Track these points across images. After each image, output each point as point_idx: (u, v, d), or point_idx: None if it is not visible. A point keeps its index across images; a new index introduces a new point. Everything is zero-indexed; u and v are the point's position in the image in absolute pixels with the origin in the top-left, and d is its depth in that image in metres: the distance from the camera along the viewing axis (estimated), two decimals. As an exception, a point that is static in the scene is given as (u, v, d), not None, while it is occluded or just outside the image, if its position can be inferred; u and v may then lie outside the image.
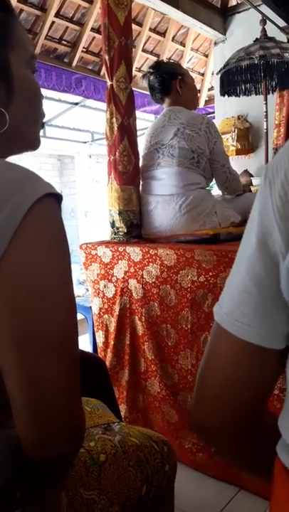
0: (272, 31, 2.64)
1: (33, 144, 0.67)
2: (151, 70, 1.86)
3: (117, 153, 1.73)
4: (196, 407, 0.49)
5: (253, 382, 0.45)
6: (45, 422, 0.48)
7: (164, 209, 1.68)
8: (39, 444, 0.49)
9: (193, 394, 0.49)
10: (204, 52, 4.98)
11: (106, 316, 1.76)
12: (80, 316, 2.83)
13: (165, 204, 1.68)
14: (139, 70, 4.49)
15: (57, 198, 0.52)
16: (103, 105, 1.79)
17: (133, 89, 1.77)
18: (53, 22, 3.65)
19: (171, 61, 4.17)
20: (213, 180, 1.83)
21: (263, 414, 0.48)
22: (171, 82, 1.81)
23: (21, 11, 3.45)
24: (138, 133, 1.83)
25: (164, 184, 1.70)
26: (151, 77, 1.84)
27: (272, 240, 0.41)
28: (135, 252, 1.62)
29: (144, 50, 4.47)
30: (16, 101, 0.60)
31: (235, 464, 0.56)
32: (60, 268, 0.51)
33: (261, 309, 0.43)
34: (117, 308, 1.70)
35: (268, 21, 2.61)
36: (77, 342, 0.53)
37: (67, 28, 3.82)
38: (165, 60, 4.38)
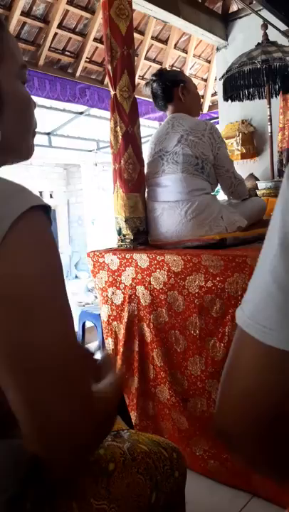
0: (273, 35, 2.65)
1: (26, 155, 0.67)
2: (154, 78, 1.87)
3: (122, 161, 1.74)
4: (219, 413, 0.48)
5: (279, 387, 0.44)
6: (47, 439, 0.48)
7: (170, 215, 1.69)
8: (45, 457, 0.49)
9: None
10: (206, 58, 5.02)
11: (115, 323, 1.76)
12: (89, 324, 2.83)
13: (171, 210, 1.69)
14: (142, 78, 4.53)
15: (45, 209, 0.52)
16: (108, 114, 1.80)
17: (137, 96, 1.79)
18: (56, 33, 3.71)
19: (173, 69, 4.20)
20: (219, 185, 1.83)
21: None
22: (173, 89, 1.82)
23: (24, 23, 3.51)
24: (142, 140, 1.84)
25: (169, 191, 1.71)
26: (154, 85, 1.85)
27: None
28: (142, 258, 1.62)
29: (146, 58, 4.51)
30: (7, 115, 0.61)
31: (261, 470, 0.55)
32: (49, 280, 0.50)
33: (284, 313, 0.42)
34: (125, 315, 1.70)
35: (269, 25, 2.63)
36: (75, 352, 0.51)
37: (70, 39, 3.87)
38: (168, 67, 4.41)
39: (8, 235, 0.47)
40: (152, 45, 4.45)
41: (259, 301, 0.44)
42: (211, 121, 1.91)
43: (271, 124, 2.75)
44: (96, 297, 2.59)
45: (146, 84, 1.89)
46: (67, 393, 0.49)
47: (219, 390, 0.49)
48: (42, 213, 0.51)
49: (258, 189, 2.49)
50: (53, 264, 0.51)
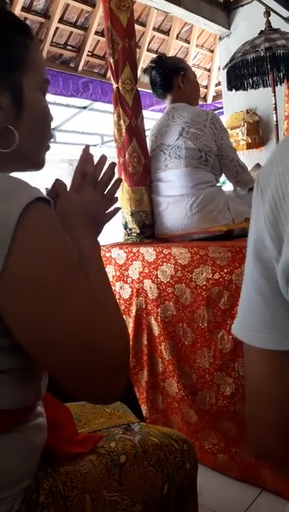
0: (276, 22, 2.61)
1: (38, 165, 0.70)
2: (152, 65, 1.81)
3: (126, 154, 1.74)
4: (250, 426, 0.49)
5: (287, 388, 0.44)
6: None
7: (175, 209, 1.68)
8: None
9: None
10: (209, 47, 4.96)
11: (124, 317, 1.76)
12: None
13: (176, 204, 1.68)
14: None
15: (47, 201, 0.54)
16: (111, 107, 1.79)
17: (140, 89, 1.77)
18: (57, 28, 3.69)
19: (172, 56, 4.14)
20: (224, 176, 1.81)
21: None
22: (173, 77, 1.77)
23: (25, 19, 3.50)
24: (147, 133, 1.82)
25: (174, 185, 1.69)
26: (153, 72, 1.80)
27: (264, 247, 0.43)
28: (149, 252, 1.62)
29: (149, 50, 4.47)
30: (25, 122, 0.63)
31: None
32: (60, 267, 0.52)
33: (268, 314, 0.43)
34: (133, 309, 1.71)
35: (271, 13, 2.58)
36: (93, 329, 0.53)
37: (71, 33, 3.85)
38: (170, 58, 4.36)
39: (17, 231, 0.49)
40: (154, 36, 4.41)
41: (245, 309, 0.46)
42: (213, 111, 1.88)
43: (276, 113, 2.72)
44: (104, 292, 2.60)
45: (145, 71, 1.83)
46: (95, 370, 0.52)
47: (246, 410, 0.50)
48: (44, 203, 0.53)
49: (264, 179, 2.47)
50: (63, 250, 0.54)
